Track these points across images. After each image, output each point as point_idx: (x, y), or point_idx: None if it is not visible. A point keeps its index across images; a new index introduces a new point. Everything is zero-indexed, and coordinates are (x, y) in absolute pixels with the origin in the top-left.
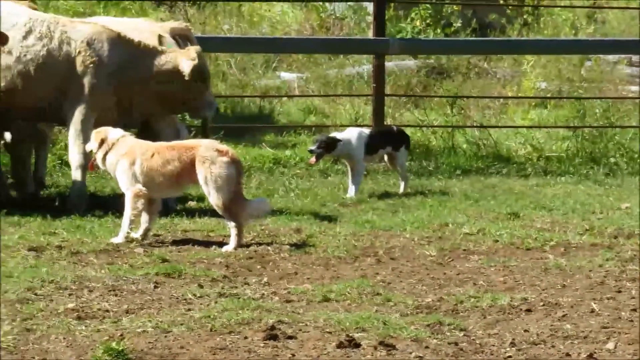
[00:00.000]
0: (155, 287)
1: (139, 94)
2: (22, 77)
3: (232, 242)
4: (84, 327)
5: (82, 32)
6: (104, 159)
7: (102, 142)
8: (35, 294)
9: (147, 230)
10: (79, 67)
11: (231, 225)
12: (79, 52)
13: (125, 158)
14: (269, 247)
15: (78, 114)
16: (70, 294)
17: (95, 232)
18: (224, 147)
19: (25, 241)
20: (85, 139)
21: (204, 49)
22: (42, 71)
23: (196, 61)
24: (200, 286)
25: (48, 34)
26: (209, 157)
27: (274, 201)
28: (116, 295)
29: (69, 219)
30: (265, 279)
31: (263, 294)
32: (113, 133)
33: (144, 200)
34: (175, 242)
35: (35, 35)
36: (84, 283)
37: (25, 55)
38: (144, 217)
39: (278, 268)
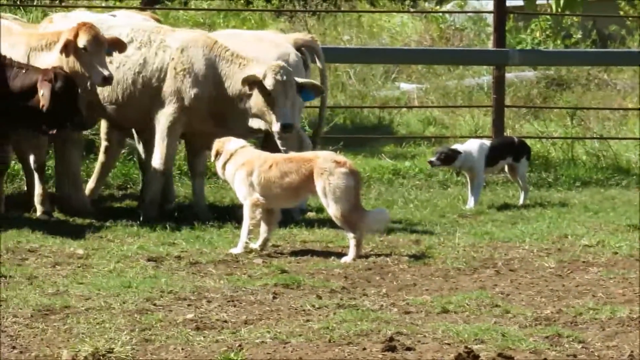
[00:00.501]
0: (274, 297)
1: (231, 105)
2: (123, 86)
3: (351, 253)
4: (202, 338)
5: (178, 39)
6: (223, 168)
7: (218, 152)
8: (154, 305)
9: (265, 241)
10: (170, 73)
11: (350, 236)
12: (172, 59)
13: (243, 168)
14: (388, 258)
15: (164, 120)
16: (189, 305)
17: (214, 243)
18: (342, 158)
19: (145, 251)
20: (170, 145)
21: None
22: (140, 79)
23: (280, 77)
24: (319, 297)
25: (147, 42)
26: (327, 168)
27: (393, 212)
28: (235, 305)
29: (188, 230)
30: (384, 290)
31: (382, 305)
32: (232, 143)
33: (261, 210)
34: (294, 253)
35: (135, 45)
36: (203, 293)
37: (124, 64)
38: (263, 228)
39: (397, 279)
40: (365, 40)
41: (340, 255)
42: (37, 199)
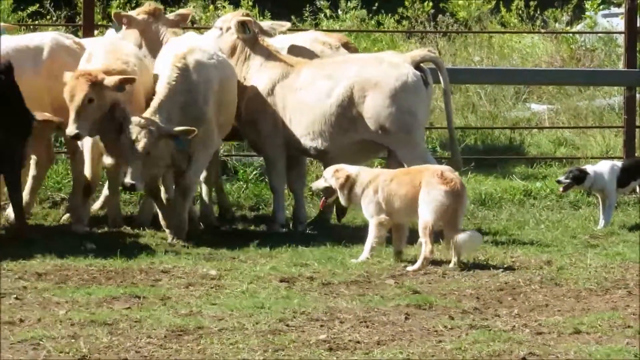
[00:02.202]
0: (406, 318)
1: None
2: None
3: (417, 263)
4: (335, 359)
5: None
6: (349, 194)
7: (347, 180)
8: (287, 325)
9: (398, 254)
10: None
11: (424, 248)
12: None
13: (369, 187)
14: (520, 279)
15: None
16: (321, 325)
17: (346, 263)
18: (450, 175)
19: (277, 272)
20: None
21: (454, 81)
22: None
23: None
24: (451, 318)
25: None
26: (431, 182)
27: (525, 233)
28: (367, 326)
29: (319, 250)
30: (515, 311)
31: (514, 326)
32: (352, 167)
33: (387, 229)
34: (426, 273)
35: None
36: (335, 314)
37: None
38: (395, 243)
39: (528, 300)
40: (495, 60)
41: (473, 277)
42: (164, 224)
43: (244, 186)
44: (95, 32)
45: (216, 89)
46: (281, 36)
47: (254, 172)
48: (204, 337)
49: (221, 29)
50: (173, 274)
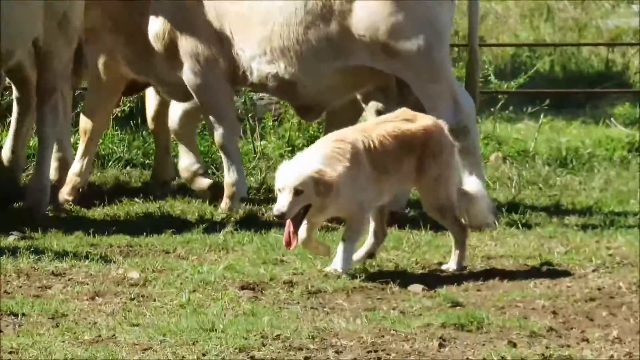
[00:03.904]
0: (441, 345)
1: None
2: None
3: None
4: None
5: None
6: None
7: None
8: (252, 358)
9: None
10: None
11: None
12: None
13: None
14: (620, 283)
15: None
16: (306, 358)
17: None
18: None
19: (236, 274)
20: None
21: None
22: None
23: None
24: (512, 344)
25: None
26: None
27: (630, 209)
28: (379, 359)
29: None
30: (614, 333)
31: (611, 357)
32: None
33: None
34: (472, 275)
35: None
36: (329, 340)
37: None
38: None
39: (634, 315)
40: None
41: (546, 280)
42: None
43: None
44: None
45: None
46: None
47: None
48: None
49: None
50: (70, 278)
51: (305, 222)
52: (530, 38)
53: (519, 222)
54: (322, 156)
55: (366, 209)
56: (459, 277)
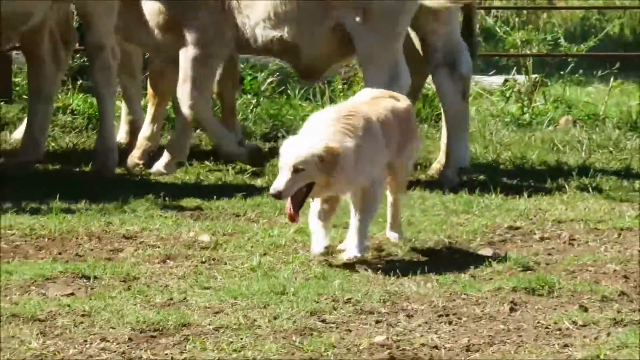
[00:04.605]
0: (512, 310)
1: None
2: None
3: None
4: None
5: None
6: None
7: None
8: (324, 322)
9: None
10: None
11: None
12: None
13: None
14: None
15: None
16: (377, 321)
17: (415, 221)
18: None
19: (307, 238)
20: None
21: None
22: None
23: None
24: (584, 309)
25: None
26: None
27: None
28: (450, 322)
29: None
30: None
31: None
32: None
33: None
34: (542, 239)
35: None
36: (400, 303)
37: None
38: None
39: None
40: None
41: (617, 243)
42: None
43: (253, 102)
44: None
45: None
46: None
47: (269, 81)
48: (192, 341)
49: None
50: (142, 241)
51: (321, 206)
52: (599, 1)
53: (589, 186)
54: (328, 131)
55: (379, 185)
56: (529, 241)
